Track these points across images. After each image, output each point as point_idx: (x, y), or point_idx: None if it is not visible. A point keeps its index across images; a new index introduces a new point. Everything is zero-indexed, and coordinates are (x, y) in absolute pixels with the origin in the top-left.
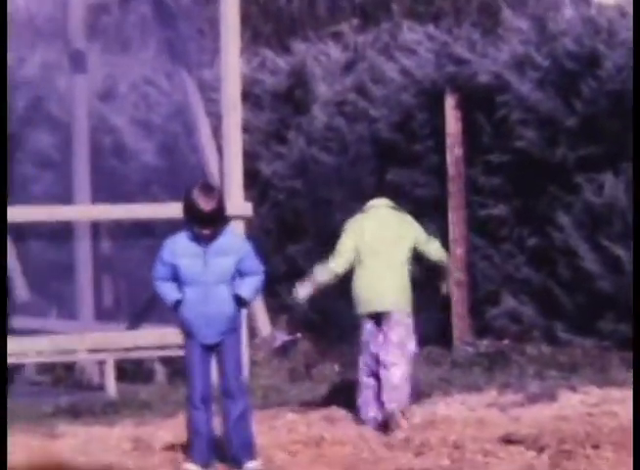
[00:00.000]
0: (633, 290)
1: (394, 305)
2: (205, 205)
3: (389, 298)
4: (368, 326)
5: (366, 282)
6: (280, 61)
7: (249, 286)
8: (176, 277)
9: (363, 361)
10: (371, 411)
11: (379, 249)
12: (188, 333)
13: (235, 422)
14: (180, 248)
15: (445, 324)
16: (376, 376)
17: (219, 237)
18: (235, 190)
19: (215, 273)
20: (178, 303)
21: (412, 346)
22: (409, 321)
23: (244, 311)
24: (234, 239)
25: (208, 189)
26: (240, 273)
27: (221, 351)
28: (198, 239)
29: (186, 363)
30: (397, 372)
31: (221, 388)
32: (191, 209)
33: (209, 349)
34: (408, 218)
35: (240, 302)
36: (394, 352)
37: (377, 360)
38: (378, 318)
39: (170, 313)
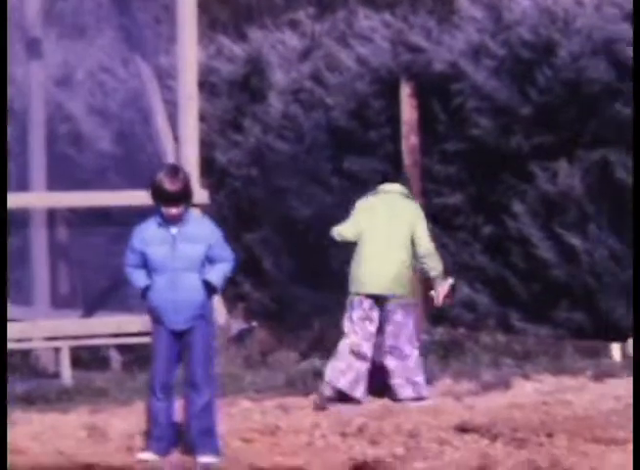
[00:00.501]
0: (633, 284)
1: (391, 290)
2: (171, 185)
3: (386, 282)
4: (365, 305)
5: (366, 263)
6: (236, 48)
7: (218, 272)
8: (146, 264)
9: (354, 341)
10: (357, 392)
11: (381, 232)
12: (156, 319)
13: (197, 413)
14: (149, 235)
15: None
16: (366, 357)
17: (189, 223)
18: (191, 178)
19: (184, 260)
20: (147, 289)
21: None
22: (408, 307)
23: (213, 299)
24: (203, 226)
25: (174, 170)
26: (209, 260)
27: (189, 339)
28: (166, 225)
29: (152, 350)
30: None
31: (186, 377)
32: (157, 189)
33: (178, 336)
34: (416, 208)
35: (209, 288)
36: (395, 339)
37: (372, 342)
38: (375, 301)
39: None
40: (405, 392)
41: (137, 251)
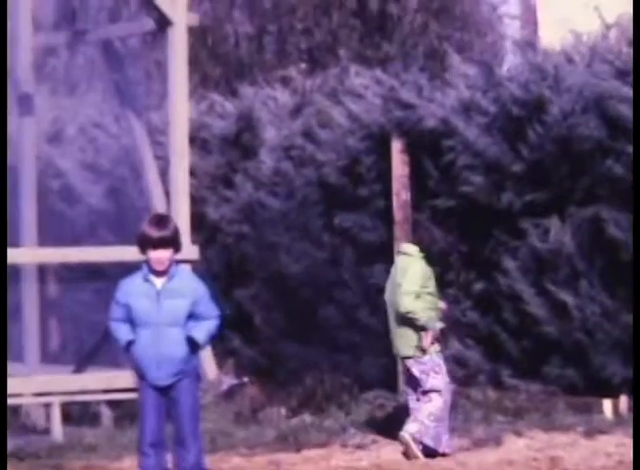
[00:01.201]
0: (633, 300)
1: (400, 351)
2: (157, 230)
3: (396, 344)
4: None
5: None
6: (228, 105)
7: (202, 329)
8: (131, 318)
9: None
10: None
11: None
12: (140, 375)
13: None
14: (134, 288)
15: (391, 368)
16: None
17: (174, 278)
18: (182, 233)
19: (168, 315)
20: (131, 343)
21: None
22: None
23: (198, 356)
24: (188, 281)
25: (161, 218)
26: (194, 316)
27: (174, 396)
28: (151, 279)
29: (140, 406)
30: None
31: (174, 435)
32: (144, 235)
33: (163, 392)
34: (409, 264)
35: (192, 344)
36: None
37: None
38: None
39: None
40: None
41: (121, 304)
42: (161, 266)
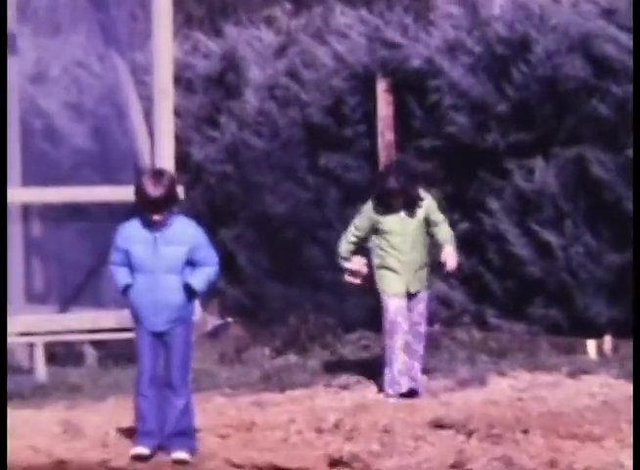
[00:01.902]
0: (633, 284)
1: None
2: (153, 190)
3: None
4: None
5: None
6: (212, 44)
7: (200, 276)
8: (129, 262)
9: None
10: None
11: None
12: (136, 319)
13: (175, 414)
14: (132, 234)
15: (376, 309)
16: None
17: (172, 225)
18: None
19: (165, 262)
20: (128, 288)
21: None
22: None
23: (194, 303)
24: (187, 228)
25: (158, 175)
26: (192, 263)
27: (168, 341)
28: (150, 225)
29: (136, 349)
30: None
31: (165, 378)
32: (139, 194)
33: (158, 337)
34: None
35: (190, 291)
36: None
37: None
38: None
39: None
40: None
41: (120, 249)
42: (160, 222)
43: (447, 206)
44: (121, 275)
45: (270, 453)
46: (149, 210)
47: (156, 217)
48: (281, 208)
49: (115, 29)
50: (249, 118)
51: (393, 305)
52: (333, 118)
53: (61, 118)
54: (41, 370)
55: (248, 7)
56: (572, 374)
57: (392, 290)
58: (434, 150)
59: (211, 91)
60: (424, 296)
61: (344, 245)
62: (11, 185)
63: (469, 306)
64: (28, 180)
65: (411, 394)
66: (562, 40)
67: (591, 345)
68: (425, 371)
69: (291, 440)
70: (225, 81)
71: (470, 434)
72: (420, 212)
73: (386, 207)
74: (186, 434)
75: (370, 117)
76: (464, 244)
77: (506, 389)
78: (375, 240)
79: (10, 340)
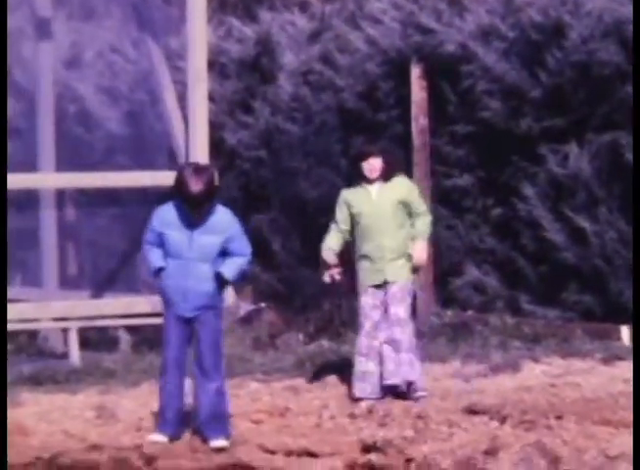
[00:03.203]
0: (633, 275)
1: None
2: (195, 186)
3: None
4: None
5: None
6: (246, 29)
7: (232, 266)
8: (163, 245)
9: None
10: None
11: None
12: (166, 303)
13: (208, 399)
14: (169, 218)
15: None
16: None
17: (210, 214)
18: (200, 159)
19: (199, 250)
20: (160, 270)
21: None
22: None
23: (224, 290)
24: (223, 217)
25: (199, 170)
26: (226, 253)
27: (198, 327)
28: (187, 213)
29: (163, 332)
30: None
31: (196, 364)
32: (181, 189)
33: (186, 322)
34: None
35: (220, 280)
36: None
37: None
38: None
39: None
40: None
41: (156, 231)
42: (199, 214)
43: (481, 191)
44: (155, 257)
45: (303, 439)
46: (189, 204)
47: (196, 211)
48: (315, 193)
49: (150, 14)
50: (282, 104)
51: (364, 299)
52: (367, 104)
53: (95, 103)
54: (75, 355)
55: None
56: (606, 360)
57: (365, 281)
58: (468, 135)
59: (245, 76)
60: (403, 286)
61: (327, 240)
62: (45, 170)
63: (502, 292)
64: (62, 166)
65: (388, 391)
66: (596, 26)
67: (625, 331)
68: (458, 357)
69: (324, 425)
70: (259, 66)
71: (503, 420)
72: (394, 194)
73: (358, 176)
74: (220, 419)
75: (404, 102)
76: (498, 229)
77: (539, 375)
78: (354, 233)
79: (44, 325)
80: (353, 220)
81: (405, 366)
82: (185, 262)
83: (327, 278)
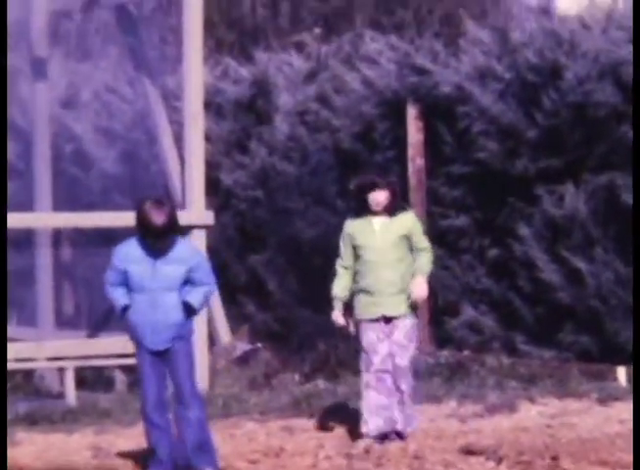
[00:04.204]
0: (633, 296)
1: None
2: (157, 218)
3: None
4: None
5: None
6: (242, 70)
7: (197, 294)
8: (127, 283)
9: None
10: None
11: None
12: (136, 339)
13: (190, 429)
14: (131, 254)
15: None
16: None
17: (172, 247)
18: (196, 199)
19: (164, 280)
20: (126, 308)
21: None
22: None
23: (194, 319)
24: (185, 248)
25: (159, 203)
26: (190, 283)
27: (171, 358)
28: (148, 246)
29: (138, 371)
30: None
31: (174, 396)
32: (142, 222)
33: (159, 356)
34: None
35: (188, 309)
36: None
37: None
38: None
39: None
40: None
41: (118, 269)
42: (162, 247)
43: (477, 231)
44: (119, 295)
45: None
46: (152, 237)
47: (158, 244)
48: (311, 233)
49: (146, 54)
50: (279, 144)
51: (365, 338)
52: (363, 144)
53: (91, 143)
54: (71, 395)
55: (278, 32)
56: (603, 401)
57: (365, 314)
58: (464, 176)
59: (242, 116)
60: (405, 323)
61: (335, 285)
62: (41, 210)
63: (498, 332)
64: (59, 205)
65: (386, 437)
66: (592, 67)
67: (621, 371)
68: (454, 397)
69: (320, 465)
70: (255, 107)
71: (500, 460)
72: (398, 228)
73: (362, 209)
74: (206, 448)
75: (400, 142)
76: (494, 270)
77: (536, 415)
78: (355, 266)
79: (40, 364)
80: (355, 253)
81: (404, 418)
82: (151, 295)
83: (338, 320)
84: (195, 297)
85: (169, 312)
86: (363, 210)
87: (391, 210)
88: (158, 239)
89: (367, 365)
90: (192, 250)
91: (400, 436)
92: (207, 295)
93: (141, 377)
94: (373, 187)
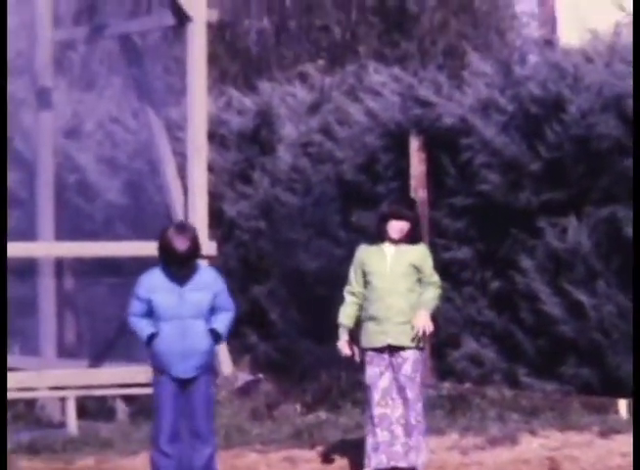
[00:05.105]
0: (633, 327)
1: None
2: (181, 245)
3: None
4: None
5: None
6: (246, 101)
7: (222, 322)
8: (151, 312)
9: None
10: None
11: None
12: (161, 368)
13: (203, 464)
14: (155, 283)
15: None
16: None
17: (196, 272)
18: (199, 229)
19: (191, 308)
20: (152, 337)
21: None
22: None
23: (217, 348)
24: (209, 274)
25: (182, 229)
26: (213, 309)
27: (193, 389)
28: (173, 274)
29: (156, 401)
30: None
31: (190, 428)
32: (167, 249)
33: (182, 386)
34: None
35: (215, 336)
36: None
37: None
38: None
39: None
40: None
41: (143, 299)
42: (186, 273)
43: (479, 264)
44: (145, 325)
45: None
46: (176, 263)
47: (183, 271)
48: (314, 264)
49: (150, 85)
50: (282, 175)
51: (367, 372)
52: (366, 176)
53: (95, 173)
54: (72, 424)
55: (281, 63)
56: (604, 434)
57: (370, 343)
58: (467, 208)
59: (245, 147)
60: (412, 355)
61: (342, 312)
62: (44, 239)
63: (500, 365)
64: (61, 234)
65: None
66: (595, 100)
67: (623, 404)
68: (456, 429)
69: None
70: (259, 138)
71: None
72: (409, 257)
73: (381, 237)
74: None
75: (403, 174)
76: (496, 302)
77: (537, 448)
78: (364, 293)
79: (41, 394)
80: (365, 279)
81: (413, 452)
82: (179, 322)
83: (344, 349)
84: (221, 324)
85: (198, 340)
86: (380, 237)
87: (408, 240)
88: (182, 266)
89: (368, 401)
90: (215, 276)
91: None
92: (230, 321)
93: (159, 407)
94: (398, 216)
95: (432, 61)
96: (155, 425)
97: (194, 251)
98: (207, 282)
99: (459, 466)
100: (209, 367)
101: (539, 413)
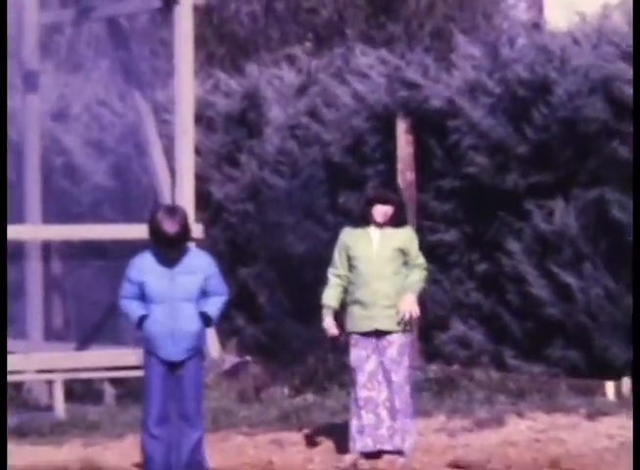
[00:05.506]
0: (633, 298)
1: None
2: (170, 227)
3: None
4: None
5: None
6: (233, 83)
7: (214, 305)
8: (142, 295)
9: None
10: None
11: None
12: (151, 350)
13: (191, 448)
14: (147, 265)
15: None
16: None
17: (186, 254)
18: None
19: (182, 290)
20: (143, 319)
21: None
22: None
23: (205, 334)
24: (201, 258)
25: (172, 211)
26: (204, 293)
27: (183, 372)
28: (164, 257)
29: (145, 383)
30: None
31: (179, 411)
32: (156, 231)
33: (172, 369)
34: None
35: (206, 319)
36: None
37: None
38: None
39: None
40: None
41: (135, 281)
42: (176, 256)
43: (466, 246)
44: (136, 308)
45: None
46: (166, 246)
47: (173, 253)
48: (301, 247)
49: (137, 67)
50: (269, 157)
51: (353, 355)
52: (353, 158)
53: (82, 156)
54: (60, 407)
55: (269, 46)
56: (591, 416)
57: (357, 327)
58: (454, 190)
59: (232, 130)
60: (398, 339)
61: (326, 294)
62: (31, 222)
63: (487, 347)
64: (49, 217)
65: (375, 455)
66: (582, 82)
67: (610, 387)
68: (443, 411)
69: None
70: (246, 120)
71: None
72: (396, 242)
73: (365, 221)
74: (201, 468)
75: (390, 156)
76: (483, 284)
77: (524, 430)
78: (349, 276)
79: (28, 377)
80: (350, 264)
81: (398, 435)
82: (170, 305)
83: (330, 330)
84: (212, 307)
85: (189, 322)
86: (365, 220)
87: (393, 223)
88: (172, 248)
89: (353, 383)
90: (207, 258)
91: (398, 452)
92: (222, 305)
93: (148, 389)
94: (383, 200)
95: (419, 43)
96: (144, 408)
97: (184, 234)
98: (199, 265)
99: (446, 448)
100: (199, 350)
101: (526, 395)
